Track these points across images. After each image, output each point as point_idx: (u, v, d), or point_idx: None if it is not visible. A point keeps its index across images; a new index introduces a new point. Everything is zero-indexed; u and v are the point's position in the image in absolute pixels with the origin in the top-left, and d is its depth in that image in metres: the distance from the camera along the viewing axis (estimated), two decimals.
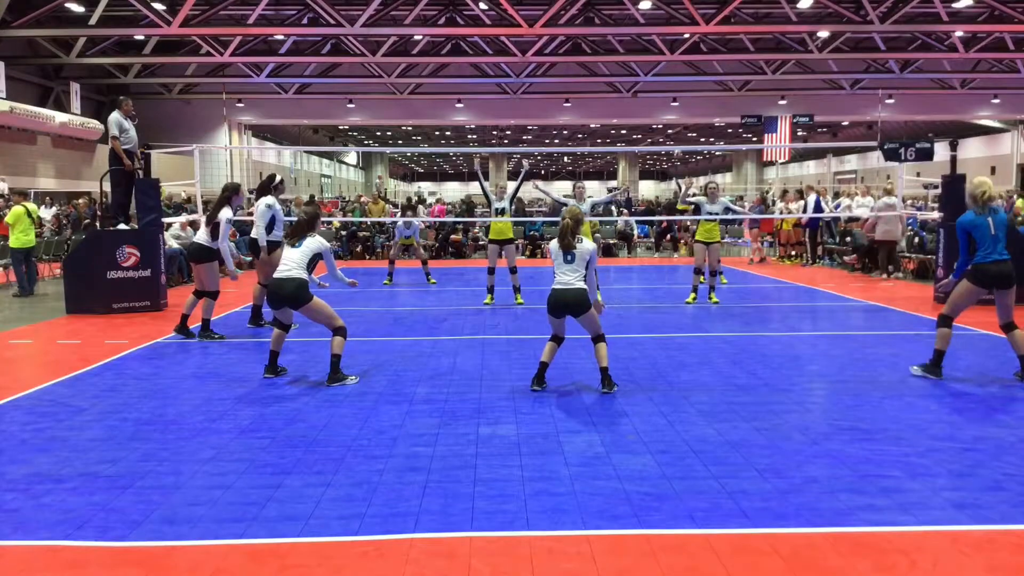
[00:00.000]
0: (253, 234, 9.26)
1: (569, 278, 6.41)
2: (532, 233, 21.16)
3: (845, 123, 43.57)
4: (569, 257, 6.44)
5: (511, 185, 11.77)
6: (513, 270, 11.45)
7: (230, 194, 8.99)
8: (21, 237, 12.91)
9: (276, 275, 6.84)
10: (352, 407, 5.99)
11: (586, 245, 6.49)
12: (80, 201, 21.05)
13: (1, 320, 10.54)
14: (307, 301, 6.72)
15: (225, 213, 8.81)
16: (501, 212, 11.24)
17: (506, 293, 11.97)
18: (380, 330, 9.52)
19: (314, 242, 6.92)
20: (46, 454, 4.96)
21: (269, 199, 9.28)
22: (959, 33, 24.33)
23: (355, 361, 7.66)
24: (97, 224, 13.12)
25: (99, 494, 4.27)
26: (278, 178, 9.61)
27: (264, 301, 8.89)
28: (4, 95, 22.21)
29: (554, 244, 6.56)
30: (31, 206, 13.32)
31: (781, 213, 18.62)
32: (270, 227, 9.18)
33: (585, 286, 6.41)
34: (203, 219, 9.63)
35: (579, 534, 3.76)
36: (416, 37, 24.62)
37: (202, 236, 8.96)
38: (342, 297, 12.92)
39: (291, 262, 6.80)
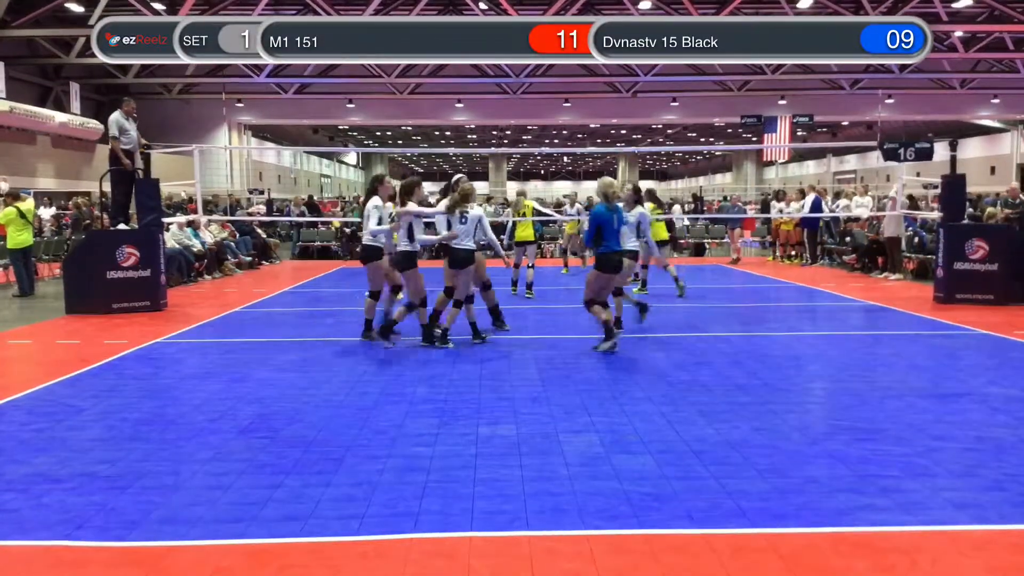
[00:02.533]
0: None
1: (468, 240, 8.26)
2: None
3: (845, 123, 43.56)
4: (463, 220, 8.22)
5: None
6: (529, 265, 12.31)
7: (375, 184, 8.51)
8: (16, 237, 12.89)
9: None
10: (352, 407, 5.99)
11: (475, 211, 8.30)
12: (80, 200, 21.04)
13: (1, 320, 10.54)
14: (403, 270, 8.31)
15: (372, 202, 8.34)
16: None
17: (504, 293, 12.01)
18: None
19: (476, 212, 8.39)
20: (46, 454, 4.95)
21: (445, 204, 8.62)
22: (959, 33, 24.36)
23: (354, 361, 7.67)
24: (102, 226, 13.08)
25: (99, 494, 4.27)
26: (458, 177, 8.79)
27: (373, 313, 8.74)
28: (4, 95, 22.22)
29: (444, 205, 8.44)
30: (24, 206, 13.24)
31: (781, 212, 18.58)
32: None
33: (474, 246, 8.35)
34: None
35: (579, 534, 3.76)
36: None
37: (366, 236, 8.49)
38: (343, 296, 12.92)
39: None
